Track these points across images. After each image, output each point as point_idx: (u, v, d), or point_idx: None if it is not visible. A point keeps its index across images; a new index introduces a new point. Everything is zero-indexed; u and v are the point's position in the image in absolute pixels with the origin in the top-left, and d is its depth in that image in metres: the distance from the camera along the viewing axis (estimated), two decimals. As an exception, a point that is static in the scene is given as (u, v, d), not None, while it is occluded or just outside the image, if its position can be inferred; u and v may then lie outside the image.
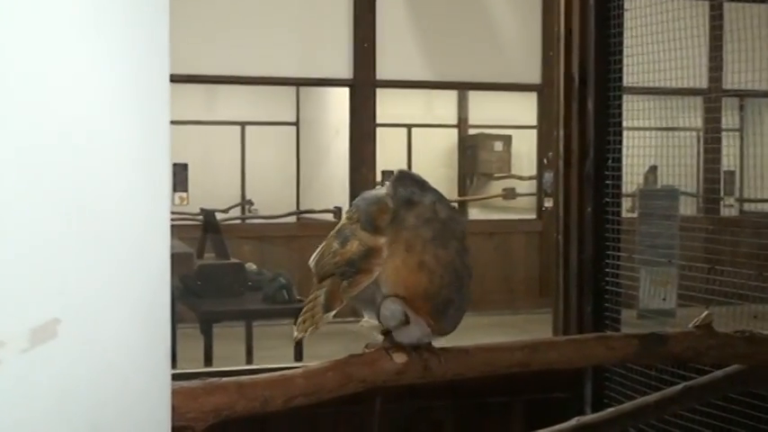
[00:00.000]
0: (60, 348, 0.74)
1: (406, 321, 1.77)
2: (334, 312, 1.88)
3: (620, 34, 3.85)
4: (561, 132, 4.01)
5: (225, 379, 1.63)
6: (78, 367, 0.77)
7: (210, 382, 1.61)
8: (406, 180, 1.89)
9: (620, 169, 3.85)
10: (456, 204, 13.94)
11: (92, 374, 0.79)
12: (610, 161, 3.83)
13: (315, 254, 2.04)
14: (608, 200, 3.84)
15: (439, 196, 1.88)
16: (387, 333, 1.85)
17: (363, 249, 1.81)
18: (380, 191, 1.94)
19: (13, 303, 0.71)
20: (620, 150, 3.85)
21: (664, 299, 4.05)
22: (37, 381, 0.73)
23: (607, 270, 3.82)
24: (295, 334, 1.91)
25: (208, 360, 6.48)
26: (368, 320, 1.97)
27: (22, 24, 0.76)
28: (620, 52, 3.85)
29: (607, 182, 3.84)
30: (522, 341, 1.87)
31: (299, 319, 1.93)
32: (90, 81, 0.82)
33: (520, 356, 1.83)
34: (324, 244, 2.01)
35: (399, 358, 1.75)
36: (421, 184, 1.89)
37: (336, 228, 1.98)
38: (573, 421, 2.54)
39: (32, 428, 0.73)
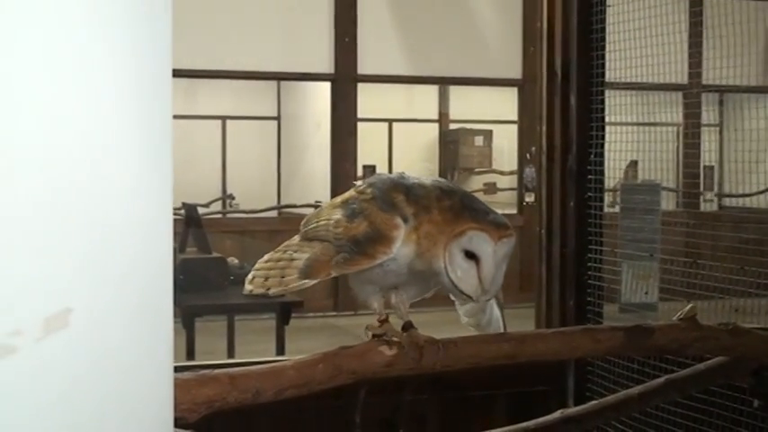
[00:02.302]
0: (72, 338, 0.75)
1: (475, 260, 1.74)
2: (312, 282, 1.80)
3: (603, 30, 3.87)
4: (544, 127, 4.03)
5: (217, 371, 1.64)
6: (88, 357, 0.78)
7: (203, 373, 1.62)
8: (404, 175, 1.89)
9: (602, 164, 3.88)
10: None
11: (100, 364, 0.81)
12: (592, 156, 3.86)
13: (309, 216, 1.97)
14: (590, 194, 3.86)
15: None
16: (383, 322, 1.84)
17: (372, 232, 1.77)
18: (393, 176, 1.92)
19: (28, 291, 0.72)
20: (602, 145, 3.87)
21: (646, 293, 4.08)
22: (49, 370, 0.74)
23: (589, 264, 3.84)
24: (248, 287, 1.84)
25: (190, 354, 6.48)
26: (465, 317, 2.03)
27: (24, 21, 0.77)
28: (603, 47, 3.87)
29: (589, 176, 3.86)
30: (509, 333, 1.89)
31: (258, 272, 1.85)
32: (94, 74, 0.83)
33: (507, 348, 1.85)
34: (324, 208, 1.95)
35: (389, 350, 1.76)
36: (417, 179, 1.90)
37: (342, 197, 1.92)
38: (557, 414, 2.56)
39: (44, 417, 0.75)
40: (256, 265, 1.89)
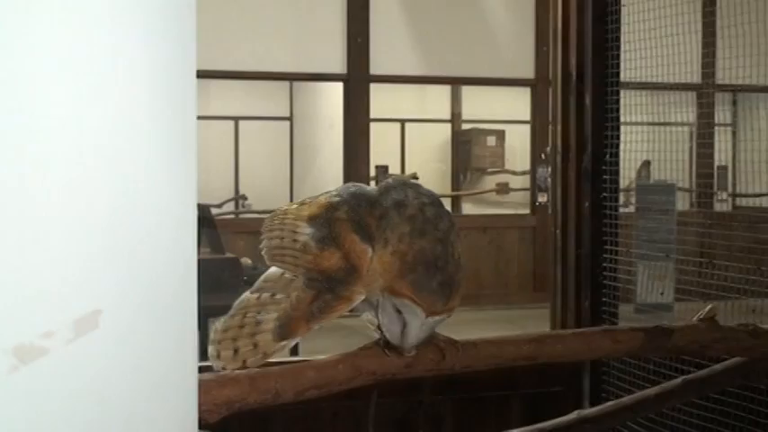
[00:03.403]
0: (101, 339, 0.76)
1: (403, 320, 1.64)
2: (293, 342, 1.68)
3: (617, 29, 3.87)
4: (558, 127, 4.03)
5: (237, 371, 1.64)
6: (117, 358, 0.79)
7: (223, 374, 1.62)
8: (399, 186, 1.75)
9: (617, 164, 3.87)
10: (450, 199, 13.96)
11: (129, 365, 0.81)
12: (608, 156, 3.85)
13: (269, 218, 1.81)
14: (605, 194, 3.86)
15: (433, 200, 1.74)
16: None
17: (346, 268, 1.65)
18: (367, 188, 1.79)
19: (58, 294, 0.72)
20: (617, 145, 3.87)
21: (662, 293, 4.07)
22: (80, 371, 0.74)
23: (605, 265, 3.84)
24: (217, 363, 1.67)
25: (204, 354, 6.47)
26: (368, 315, 1.81)
27: (49, 19, 0.77)
28: (617, 47, 3.87)
29: (604, 176, 3.86)
30: (528, 334, 1.88)
31: (221, 344, 1.70)
32: (122, 76, 0.83)
33: (527, 350, 1.84)
34: (288, 212, 1.79)
35: (409, 351, 1.74)
36: (416, 188, 1.75)
37: (310, 207, 1.76)
38: (573, 414, 2.56)
39: (75, 416, 0.75)
40: (214, 336, 1.74)
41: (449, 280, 1.64)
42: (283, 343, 1.67)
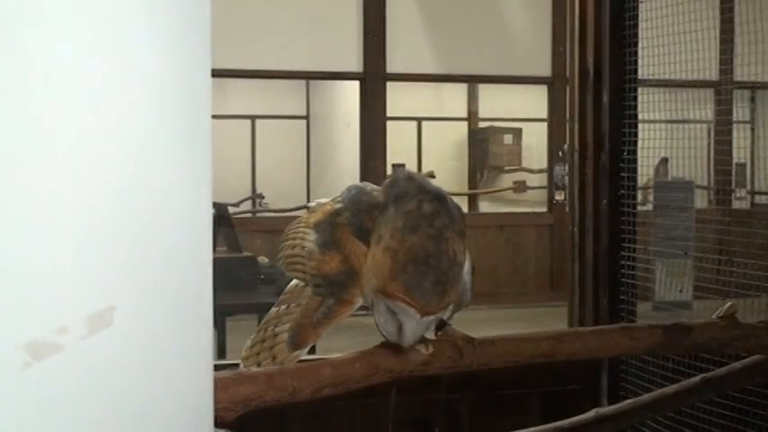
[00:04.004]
0: (116, 336, 0.75)
1: (398, 320, 1.65)
2: (305, 350, 1.74)
3: (635, 26, 3.85)
4: (576, 125, 4.02)
5: (254, 369, 1.64)
6: (131, 354, 0.78)
7: (240, 372, 1.62)
8: (402, 182, 1.76)
9: (635, 161, 3.86)
10: (466, 197, 13.94)
11: (141, 363, 0.81)
12: (625, 153, 3.84)
13: (288, 227, 1.87)
14: (623, 192, 3.84)
15: (435, 196, 1.73)
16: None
17: (345, 271, 1.69)
18: (370, 188, 1.82)
19: (73, 290, 0.72)
20: (635, 143, 3.86)
21: (680, 291, 4.06)
22: (93, 369, 0.74)
23: (623, 262, 3.83)
24: (241, 364, 1.75)
25: (221, 353, 6.49)
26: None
27: (65, 16, 0.77)
28: (635, 44, 3.85)
29: (622, 174, 3.85)
30: (546, 332, 1.88)
31: (248, 360, 1.79)
32: (139, 77, 0.83)
33: (545, 347, 1.83)
34: (302, 220, 1.84)
35: (425, 349, 1.74)
36: (419, 184, 1.76)
37: (316, 215, 1.82)
38: (591, 413, 2.55)
39: (89, 413, 0.74)
40: (243, 354, 1.82)
41: (442, 277, 1.63)
42: (296, 353, 1.74)
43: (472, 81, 13.65)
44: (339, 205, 1.79)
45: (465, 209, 7.94)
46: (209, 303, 0.92)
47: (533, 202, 13.67)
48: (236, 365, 1.81)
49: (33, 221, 0.70)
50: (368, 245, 1.68)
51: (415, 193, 1.72)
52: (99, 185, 0.76)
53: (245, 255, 7.76)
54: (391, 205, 1.70)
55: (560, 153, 11.07)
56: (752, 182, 9.37)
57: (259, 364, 1.74)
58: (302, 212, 1.95)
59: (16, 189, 0.69)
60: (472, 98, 15.28)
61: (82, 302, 0.73)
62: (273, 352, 1.75)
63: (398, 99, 12.29)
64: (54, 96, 0.75)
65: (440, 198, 1.74)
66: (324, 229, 1.76)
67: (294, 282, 1.86)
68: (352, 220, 1.73)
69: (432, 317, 1.65)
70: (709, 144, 7.05)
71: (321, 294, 1.71)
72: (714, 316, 2.01)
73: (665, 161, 5.00)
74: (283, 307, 1.82)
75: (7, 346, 0.67)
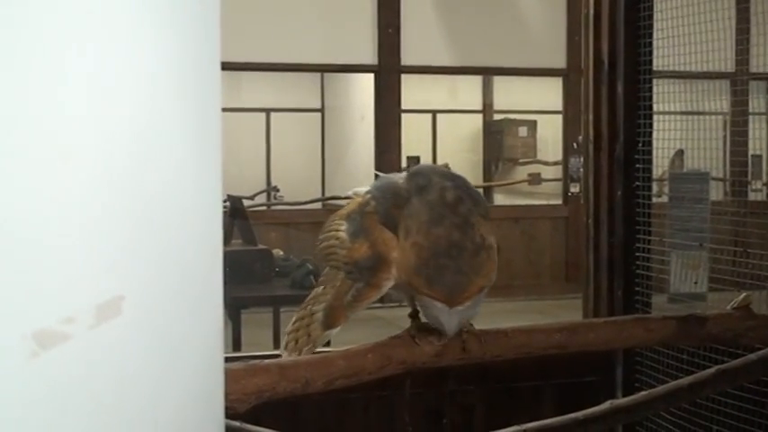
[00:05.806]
0: (124, 326, 0.75)
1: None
2: (336, 330, 1.78)
3: (650, 17, 3.84)
4: (590, 116, 4.01)
5: (267, 361, 1.64)
6: (140, 345, 0.78)
7: (252, 364, 1.62)
8: (424, 171, 1.84)
9: (650, 153, 3.84)
10: (482, 190, 13.92)
11: (150, 354, 0.80)
12: (640, 145, 3.82)
13: (321, 233, 1.94)
14: (638, 183, 3.83)
15: (457, 183, 1.80)
16: (414, 316, 1.83)
17: (373, 256, 1.74)
18: (396, 178, 1.88)
19: (81, 279, 0.72)
20: (650, 134, 3.84)
21: (695, 282, 4.04)
22: (101, 359, 0.74)
23: (637, 254, 3.82)
24: (284, 354, 1.80)
25: (236, 345, 6.50)
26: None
27: (84, 14, 0.77)
28: (650, 35, 3.84)
29: (637, 166, 3.83)
30: (560, 323, 1.87)
31: (289, 336, 1.83)
32: (148, 67, 0.83)
33: (558, 338, 1.83)
34: (337, 214, 1.92)
35: (438, 340, 1.75)
36: (440, 172, 1.84)
37: (348, 207, 1.89)
38: (606, 404, 2.54)
39: (98, 404, 0.74)
40: (287, 329, 1.88)
41: (464, 267, 1.68)
42: (327, 332, 1.77)
43: (487, 73, 13.64)
44: (368, 196, 1.86)
45: (480, 201, 7.92)
46: (219, 293, 0.92)
47: (548, 195, 13.64)
48: (252, 358, 1.81)
49: (41, 211, 0.70)
50: (394, 231, 1.73)
51: (438, 181, 1.77)
52: (106, 175, 0.75)
53: (260, 247, 7.75)
54: (415, 197, 1.76)
55: (575, 145, 11.03)
56: (767, 173, 9.33)
57: (297, 341, 1.79)
58: (316, 205, 2.00)
59: (23, 177, 0.69)
60: (487, 90, 15.26)
61: (90, 292, 0.72)
62: (309, 330, 1.79)
63: (413, 91, 12.29)
64: (64, 86, 0.75)
65: (463, 184, 1.81)
66: (354, 218, 1.83)
67: None
68: (379, 209, 1.80)
69: (461, 306, 1.68)
70: (724, 136, 7.02)
71: (353, 279, 1.77)
72: (729, 307, 2.00)
73: (680, 153, 4.98)
74: (321, 288, 1.88)
75: (15, 334, 0.67)
